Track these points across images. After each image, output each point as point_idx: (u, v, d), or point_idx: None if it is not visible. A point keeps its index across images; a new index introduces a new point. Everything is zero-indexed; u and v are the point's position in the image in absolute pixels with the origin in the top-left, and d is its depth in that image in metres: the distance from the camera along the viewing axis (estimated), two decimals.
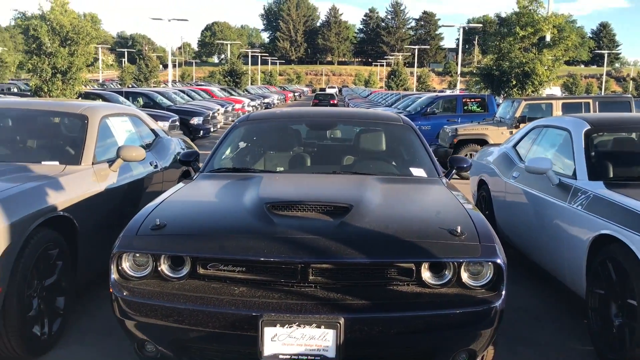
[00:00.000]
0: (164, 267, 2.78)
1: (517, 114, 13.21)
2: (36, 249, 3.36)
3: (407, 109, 19.23)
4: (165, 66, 70.79)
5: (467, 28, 40.84)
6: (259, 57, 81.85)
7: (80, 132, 4.51)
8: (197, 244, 2.77)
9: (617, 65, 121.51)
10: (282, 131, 4.73)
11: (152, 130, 5.97)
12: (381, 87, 61.20)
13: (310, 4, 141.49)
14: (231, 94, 36.83)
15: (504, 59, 16.33)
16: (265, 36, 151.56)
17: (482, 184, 6.45)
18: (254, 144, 4.59)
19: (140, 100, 20.45)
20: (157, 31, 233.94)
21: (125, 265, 2.80)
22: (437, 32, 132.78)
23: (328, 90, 72.87)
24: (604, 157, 4.44)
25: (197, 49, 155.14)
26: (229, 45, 62.26)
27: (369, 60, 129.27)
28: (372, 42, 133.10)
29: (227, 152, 4.44)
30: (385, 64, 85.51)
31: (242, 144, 4.49)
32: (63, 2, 15.92)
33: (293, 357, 2.54)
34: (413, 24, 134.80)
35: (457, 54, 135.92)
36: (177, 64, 45.26)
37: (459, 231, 2.76)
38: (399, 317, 2.59)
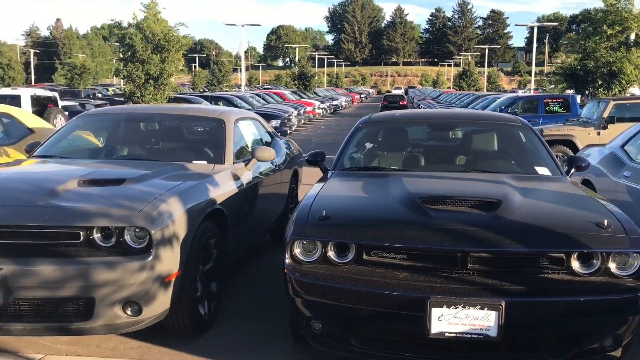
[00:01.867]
0: (331, 254, 3.13)
1: (605, 114, 12.96)
2: (202, 237, 3.79)
3: (487, 109, 19.12)
4: (234, 70, 72.56)
5: (537, 27, 39.97)
6: (325, 59, 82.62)
7: (220, 135, 4.96)
8: (362, 233, 3.11)
9: None
10: (403, 132, 5.03)
11: (269, 133, 6.40)
12: (448, 88, 60.63)
13: (375, 5, 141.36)
14: (301, 97, 37.54)
15: (588, 58, 16.03)
16: (329, 38, 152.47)
17: (586, 184, 6.52)
18: (379, 144, 4.90)
19: (221, 103, 21.29)
20: (223, 36, 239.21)
21: (297, 251, 3.17)
22: (505, 31, 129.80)
23: (394, 92, 72.72)
24: None
25: (262, 53, 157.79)
26: (297, 49, 63.04)
27: (435, 60, 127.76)
28: (438, 42, 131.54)
29: (354, 151, 4.78)
30: (453, 64, 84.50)
31: (368, 145, 4.81)
32: (155, 11, 16.80)
33: (458, 335, 2.82)
34: (480, 23, 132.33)
35: (526, 52, 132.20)
36: (243, 67, 46.23)
37: (605, 224, 2.97)
38: (554, 301, 2.83)
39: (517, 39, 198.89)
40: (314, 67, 45.65)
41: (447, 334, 2.84)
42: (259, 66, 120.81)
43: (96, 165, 4.48)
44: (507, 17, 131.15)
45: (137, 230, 3.33)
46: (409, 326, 2.95)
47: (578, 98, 16.49)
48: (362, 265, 3.09)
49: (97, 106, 21.52)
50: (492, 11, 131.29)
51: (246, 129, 5.59)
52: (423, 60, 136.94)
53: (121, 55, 17.20)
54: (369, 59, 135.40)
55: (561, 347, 3.00)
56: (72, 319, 3.37)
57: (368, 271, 3.06)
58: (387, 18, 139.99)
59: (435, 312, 2.82)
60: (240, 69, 46.56)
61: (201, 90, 44.17)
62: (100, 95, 33.81)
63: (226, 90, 43.97)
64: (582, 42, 16.27)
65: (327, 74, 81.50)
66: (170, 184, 3.86)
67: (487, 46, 61.69)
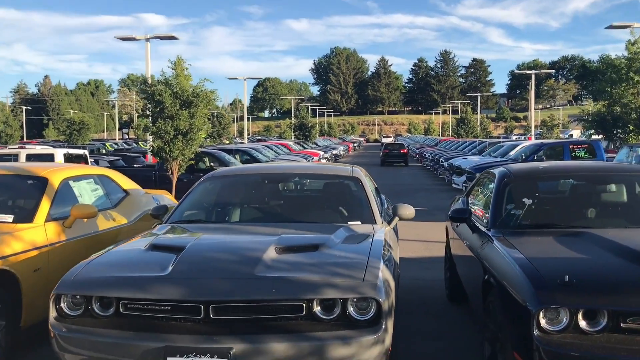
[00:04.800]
0: (582, 322, 2.97)
1: None
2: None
3: (507, 156, 19.26)
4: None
5: (523, 74, 40.83)
6: (316, 109, 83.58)
7: (361, 194, 4.84)
8: (621, 298, 2.96)
9: None
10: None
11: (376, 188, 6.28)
12: (449, 135, 61.29)
13: (359, 57, 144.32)
14: (304, 147, 37.71)
15: (616, 104, 16.33)
16: (315, 89, 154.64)
17: None
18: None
19: (238, 157, 21.26)
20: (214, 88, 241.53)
21: (542, 320, 3.00)
22: (487, 79, 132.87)
23: (384, 140, 73.40)
24: None
25: (249, 104, 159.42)
26: (292, 100, 63.89)
27: (420, 108, 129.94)
28: (422, 91, 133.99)
29: (512, 208, 4.66)
30: (441, 112, 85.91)
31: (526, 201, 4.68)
32: (182, 67, 16.86)
33: None
34: (463, 71, 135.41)
35: (508, 99, 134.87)
36: (246, 119, 46.49)
37: None
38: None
39: (499, 86, 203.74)
40: (298, 117, 46.01)
41: None
42: (249, 118, 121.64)
43: (262, 230, 4.30)
44: (489, 65, 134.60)
45: (359, 300, 3.15)
46: None
47: (603, 144, 16.72)
48: (620, 334, 2.93)
49: (110, 162, 21.35)
50: (474, 60, 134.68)
51: (371, 186, 5.47)
52: (408, 108, 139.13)
53: (148, 112, 17.11)
54: (355, 108, 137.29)
55: None
56: None
57: (629, 340, 2.90)
58: (372, 69, 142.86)
59: None
60: (239, 120, 46.71)
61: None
62: (104, 151, 33.56)
63: (226, 143, 44.03)
64: (609, 89, 16.61)
65: (319, 124, 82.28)
66: (363, 248, 3.70)
67: (478, 94, 62.91)
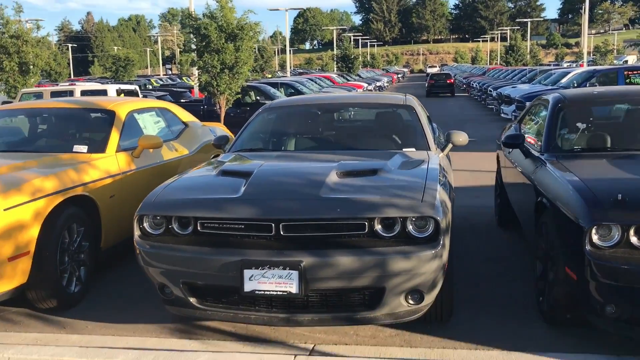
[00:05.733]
0: (633, 238, 3.11)
1: None
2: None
3: (558, 84, 18.76)
4: None
5: None
6: (359, 40, 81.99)
7: (415, 121, 4.97)
8: None
9: None
10: None
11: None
12: (496, 63, 59.58)
13: None
14: (348, 80, 37.39)
15: None
16: (357, 19, 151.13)
17: None
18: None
19: (282, 90, 21.36)
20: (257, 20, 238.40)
21: (595, 237, 3.16)
22: (537, 3, 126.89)
23: (429, 70, 71.88)
24: None
25: (289, 37, 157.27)
26: (333, 31, 62.79)
27: (467, 36, 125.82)
28: (469, 18, 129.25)
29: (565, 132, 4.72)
30: (489, 39, 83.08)
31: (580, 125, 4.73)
32: (226, 0, 16.81)
33: None
34: None
35: (559, 24, 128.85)
36: (288, 52, 46.05)
37: None
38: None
39: (550, 11, 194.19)
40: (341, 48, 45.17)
41: None
42: (287, 50, 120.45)
43: (322, 157, 4.51)
44: None
45: (418, 219, 3.35)
46: None
47: None
48: None
49: (157, 98, 21.76)
50: None
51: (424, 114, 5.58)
52: (454, 37, 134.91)
53: (193, 46, 17.26)
54: (399, 37, 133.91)
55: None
56: (357, 308, 3.43)
57: None
58: None
59: None
60: (280, 53, 46.39)
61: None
62: (150, 87, 34.06)
63: (269, 76, 44.02)
64: None
65: (362, 55, 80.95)
66: (420, 172, 3.88)
67: (528, 19, 60.34)
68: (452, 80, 37.80)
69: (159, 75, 65.72)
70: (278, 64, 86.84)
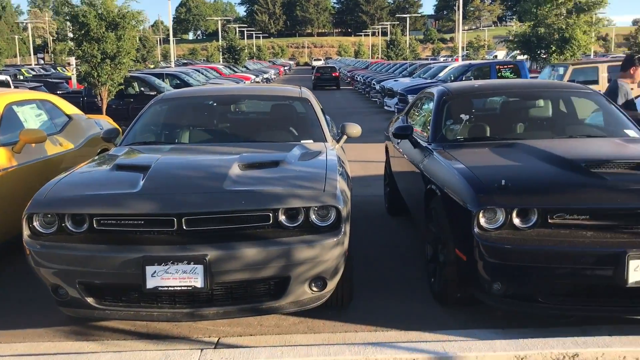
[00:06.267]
0: (515, 220, 3.40)
1: (566, 79, 13.87)
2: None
3: (437, 78, 19.78)
4: None
5: None
6: (244, 31, 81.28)
7: (312, 114, 5.09)
8: (548, 197, 3.40)
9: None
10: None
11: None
12: (378, 57, 61.41)
13: None
14: (235, 71, 37.02)
15: (540, 25, 16.98)
16: (241, 10, 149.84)
17: None
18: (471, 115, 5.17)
19: (167, 81, 20.76)
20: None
21: (482, 220, 3.42)
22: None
23: (314, 63, 72.90)
24: None
25: (173, 26, 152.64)
26: (218, 22, 61.76)
27: (349, 30, 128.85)
28: (351, 12, 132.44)
29: (452, 123, 5.02)
30: (370, 33, 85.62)
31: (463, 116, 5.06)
32: None
33: None
34: None
35: (435, 20, 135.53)
36: (172, 42, 44.59)
37: None
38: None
39: (427, 7, 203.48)
40: (226, 39, 44.57)
41: None
42: (171, 40, 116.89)
43: (222, 149, 4.46)
44: None
45: (320, 209, 3.44)
46: (604, 278, 3.28)
47: (527, 64, 17.47)
48: (548, 229, 3.38)
49: (31, 89, 20.34)
50: None
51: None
52: (337, 30, 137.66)
53: (70, 35, 16.30)
54: (284, 30, 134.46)
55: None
56: (262, 299, 3.47)
57: (555, 233, 3.36)
58: None
59: (633, 264, 3.17)
60: (163, 42, 44.93)
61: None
62: (21, 78, 31.68)
63: (152, 67, 42.48)
64: (534, 10, 17.21)
65: (248, 46, 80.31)
66: (320, 163, 3.98)
67: (407, 15, 62.98)
68: (337, 74, 38.58)
69: (30, 65, 61.24)
70: (161, 54, 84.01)
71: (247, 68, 42.77)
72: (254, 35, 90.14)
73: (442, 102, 5.15)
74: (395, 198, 6.28)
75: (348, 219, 3.55)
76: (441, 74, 20.18)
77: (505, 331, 3.59)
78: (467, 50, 54.61)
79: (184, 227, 3.30)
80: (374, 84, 25.47)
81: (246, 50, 46.11)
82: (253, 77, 34.09)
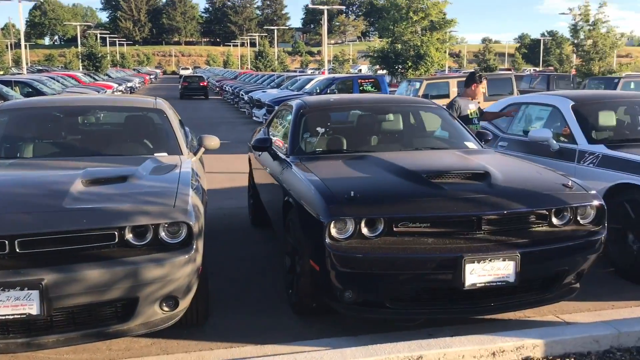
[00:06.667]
0: (364, 229, 3.52)
1: (420, 93, 14.76)
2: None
3: (304, 90, 20.19)
4: None
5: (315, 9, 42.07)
6: (106, 38, 77.65)
7: (167, 126, 4.97)
8: (393, 207, 3.55)
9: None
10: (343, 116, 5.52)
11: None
12: (247, 68, 61.32)
13: None
14: (95, 80, 35.21)
15: (398, 41, 17.94)
16: (104, 16, 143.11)
17: None
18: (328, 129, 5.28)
19: (17, 89, 19.28)
20: None
21: (333, 230, 3.50)
22: (283, 12, 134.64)
23: (182, 72, 71.39)
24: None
25: (25, 30, 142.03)
26: (77, 27, 58.47)
27: (218, 40, 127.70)
28: (219, 22, 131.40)
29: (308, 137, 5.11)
30: (239, 44, 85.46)
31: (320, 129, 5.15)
32: None
33: (486, 284, 3.44)
34: (259, 3, 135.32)
35: (303, 33, 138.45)
36: (23, 46, 41.36)
37: (569, 185, 3.84)
38: (554, 248, 3.60)
39: (294, 20, 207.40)
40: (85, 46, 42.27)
41: (477, 285, 3.44)
42: (22, 45, 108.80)
43: (65, 164, 4.17)
44: None
45: (170, 225, 3.33)
46: (444, 282, 3.48)
47: (387, 78, 18.38)
48: (393, 237, 3.53)
49: None
50: None
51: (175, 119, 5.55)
52: (206, 40, 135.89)
53: None
54: (150, 37, 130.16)
55: (548, 285, 3.80)
56: (109, 322, 3.28)
57: (399, 241, 3.51)
58: None
59: (469, 267, 3.40)
60: (14, 47, 41.69)
61: None
62: None
63: (1, 73, 39.19)
64: (392, 27, 18.13)
65: (111, 54, 76.75)
66: (172, 177, 3.85)
67: (275, 27, 63.67)
68: (205, 83, 38.01)
69: None
70: (12, 59, 77.90)
71: (110, 76, 40.86)
72: (117, 42, 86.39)
73: (300, 115, 5.23)
74: (259, 209, 6.28)
75: (201, 234, 3.47)
76: (307, 86, 20.65)
77: (357, 338, 3.68)
78: (333, 63, 56.29)
79: (17, 250, 3.04)
80: (242, 95, 25.42)
81: (108, 58, 43.96)
82: (116, 85, 32.64)
